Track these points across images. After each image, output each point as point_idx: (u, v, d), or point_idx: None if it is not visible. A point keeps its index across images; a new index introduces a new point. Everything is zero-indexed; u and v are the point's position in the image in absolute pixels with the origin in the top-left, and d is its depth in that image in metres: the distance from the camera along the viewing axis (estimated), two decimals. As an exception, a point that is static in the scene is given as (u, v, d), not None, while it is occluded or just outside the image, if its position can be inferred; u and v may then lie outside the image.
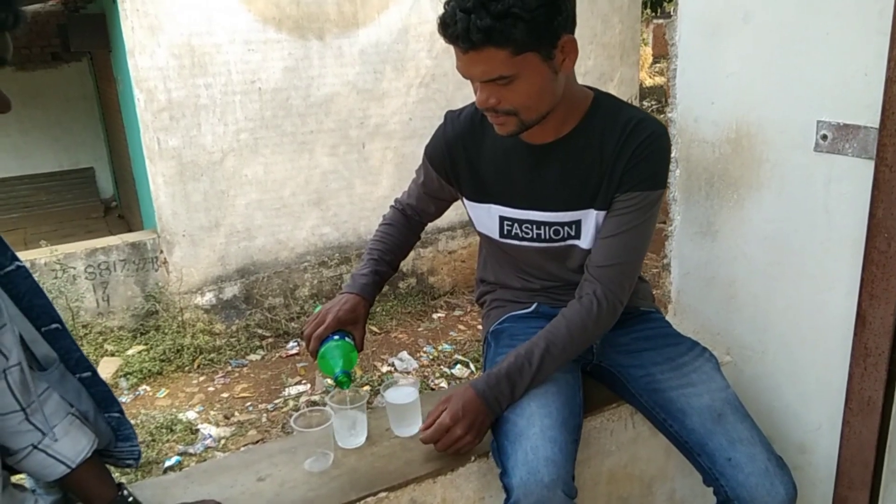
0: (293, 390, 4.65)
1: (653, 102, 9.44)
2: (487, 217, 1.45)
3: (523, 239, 1.41)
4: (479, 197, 1.44)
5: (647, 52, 11.32)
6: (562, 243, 1.40)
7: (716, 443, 1.31)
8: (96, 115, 7.57)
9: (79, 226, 7.24)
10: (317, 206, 5.65)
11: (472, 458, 1.36)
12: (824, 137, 1.35)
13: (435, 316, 5.85)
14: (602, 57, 6.47)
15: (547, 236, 1.39)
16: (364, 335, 1.46)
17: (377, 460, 1.35)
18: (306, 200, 5.59)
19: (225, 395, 4.66)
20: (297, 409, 4.40)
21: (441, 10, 1.18)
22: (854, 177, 1.33)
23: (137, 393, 4.62)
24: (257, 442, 4.09)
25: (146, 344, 5.01)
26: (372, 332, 5.40)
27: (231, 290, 5.43)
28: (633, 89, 6.82)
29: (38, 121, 7.41)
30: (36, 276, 1.07)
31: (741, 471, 1.28)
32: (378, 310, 5.68)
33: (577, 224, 1.37)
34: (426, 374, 4.88)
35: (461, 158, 1.43)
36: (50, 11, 6.35)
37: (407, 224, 1.61)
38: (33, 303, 1.04)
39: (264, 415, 4.42)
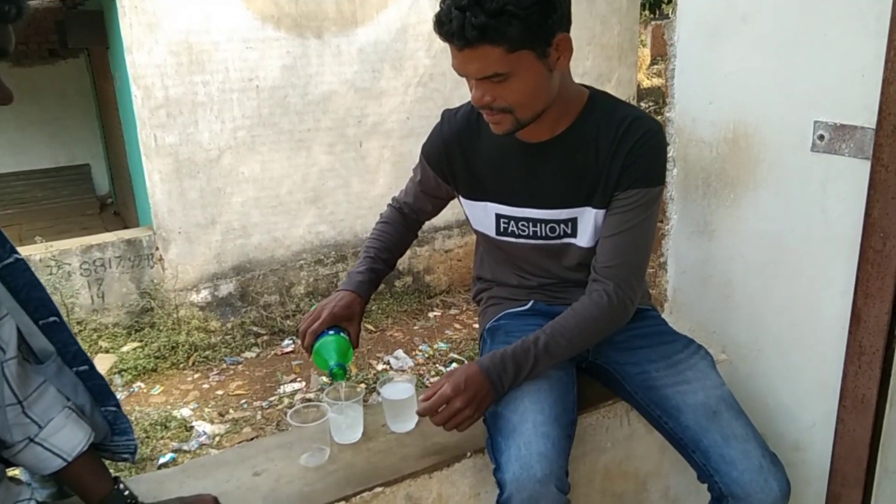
0: (288, 388, 4.65)
1: (650, 104, 9.46)
2: (484, 215, 1.45)
3: (520, 236, 1.42)
4: (476, 195, 1.45)
5: (646, 53, 11.35)
6: (558, 241, 1.40)
7: (710, 439, 1.32)
8: (93, 111, 7.55)
9: (74, 222, 7.22)
10: (313, 204, 5.65)
11: (468, 455, 1.36)
12: (821, 138, 1.36)
13: (431, 315, 5.85)
14: (600, 58, 6.48)
15: (543, 234, 1.40)
16: (359, 332, 1.46)
17: (373, 456, 1.36)
18: (303, 198, 5.59)
19: (220, 392, 4.66)
20: (291, 406, 4.40)
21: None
22: (850, 177, 1.33)
23: (132, 390, 4.61)
24: (252, 439, 4.09)
25: (141, 341, 5.00)
26: (367, 331, 5.40)
27: (227, 288, 5.42)
28: (630, 90, 6.84)
29: (34, 117, 7.39)
30: (31, 272, 1.06)
31: (735, 467, 1.28)
32: (374, 308, 5.68)
33: (573, 222, 1.37)
34: (421, 372, 4.88)
35: (458, 157, 1.43)
36: (48, 8, 6.34)
37: (404, 222, 1.62)
38: (31, 296, 1.04)
39: (259, 412, 4.42)
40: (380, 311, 5.71)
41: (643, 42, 10.17)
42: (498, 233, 1.44)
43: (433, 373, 4.86)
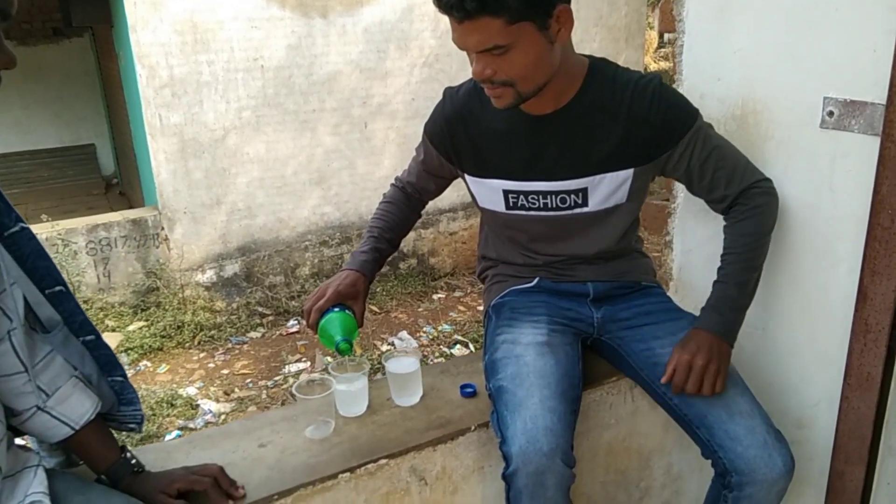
0: (293, 368, 4.67)
1: (657, 87, 9.36)
2: (491, 192, 1.45)
3: (530, 209, 1.41)
4: (482, 172, 1.44)
5: (653, 35, 11.25)
6: (568, 211, 1.40)
7: (715, 415, 1.32)
8: (98, 91, 7.54)
9: (80, 202, 7.23)
10: (318, 186, 5.64)
11: (472, 428, 1.37)
12: (830, 114, 1.35)
13: (435, 297, 5.86)
14: (607, 39, 6.43)
15: (554, 205, 1.40)
16: (364, 311, 1.46)
17: (378, 428, 1.36)
18: (308, 179, 5.58)
19: (225, 371, 4.68)
20: (297, 386, 4.42)
21: None
22: (859, 153, 1.32)
23: (138, 368, 4.64)
24: (257, 418, 4.11)
25: (147, 320, 5.03)
26: (372, 312, 5.41)
27: (232, 268, 5.44)
28: (637, 73, 6.77)
29: (39, 96, 7.38)
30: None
31: (740, 443, 1.29)
32: (378, 290, 5.69)
33: (584, 192, 1.37)
34: (426, 353, 4.90)
35: (461, 134, 1.43)
36: (51, -15, 6.31)
37: (407, 202, 1.61)
38: (37, 265, 1.04)
39: (264, 391, 4.44)
40: (384, 293, 5.72)
41: (650, 24, 10.08)
42: (507, 207, 1.43)
43: (437, 354, 4.87)
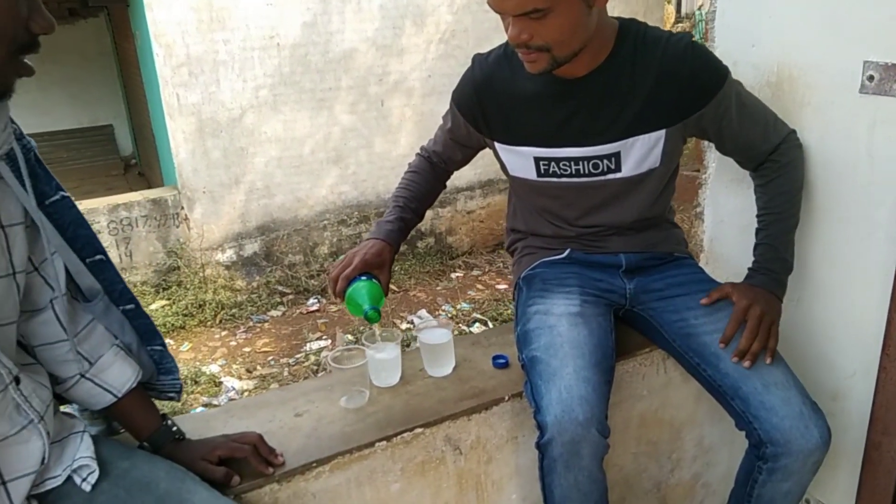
0: (314, 345, 4.71)
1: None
2: (521, 159, 1.43)
3: (562, 176, 1.40)
4: (511, 139, 1.42)
5: (670, 10, 11.08)
6: (601, 177, 1.38)
7: (750, 386, 1.31)
8: (114, 71, 7.56)
9: (99, 183, 7.28)
10: (336, 165, 5.64)
11: (506, 398, 1.37)
12: (871, 78, 1.32)
13: (453, 275, 5.87)
14: (626, 13, 6.31)
15: (586, 171, 1.38)
16: (389, 280, 1.45)
17: (412, 398, 1.37)
18: (325, 158, 5.58)
19: (247, 349, 4.73)
20: (318, 363, 4.46)
21: None
22: (901, 119, 1.30)
23: (161, 346, 4.69)
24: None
25: (169, 299, 5.07)
26: (391, 291, 5.43)
27: (251, 248, 5.46)
28: (656, 47, 6.68)
29: (56, 77, 7.41)
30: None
31: (775, 414, 1.27)
32: (396, 269, 5.70)
33: (617, 156, 1.35)
34: (445, 331, 4.90)
35: (491, 101, 1.41)
36: (67, -35, 6.30)
37: (432, 171, 1.60)
38: (78, 233, 1.04)
39: (286, 369, 4.48)
40: (402, 272, 5.73)
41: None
42: (539, 175, 1.42)
43: (456, 332, 4.88)
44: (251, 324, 5.05)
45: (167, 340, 4.69)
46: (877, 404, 1.42)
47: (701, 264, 1.72)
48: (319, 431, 1.27)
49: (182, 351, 4.67)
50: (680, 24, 11.33)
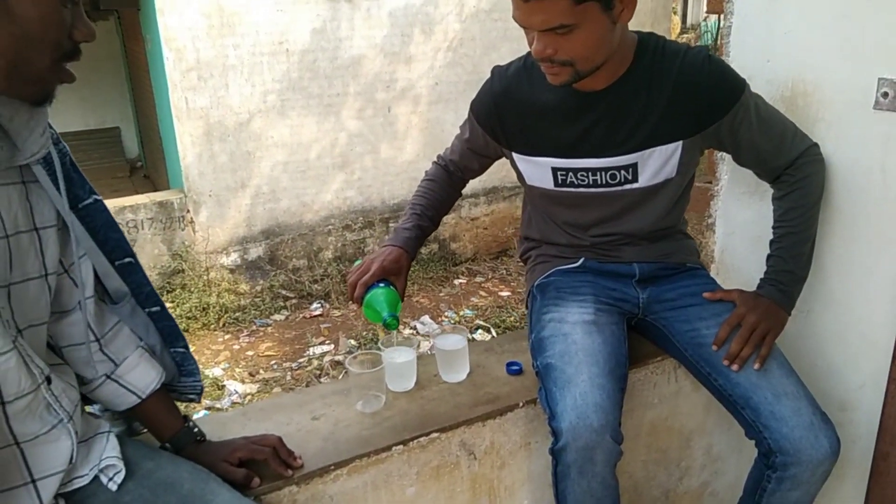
0: (317, 350, 4.72)
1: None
2: (539, 169, 1.45)
3: (579, 186, 1.42)
4: (530, 150, 1.45)
5: (676, 21, 11.15)
6: (618, 188, 1.41)
7: (760, 396, 1.33)
8: (123, 74, 7.58)
9: (105, 185, 7.30)
10: (342, 170, 5.66)
11: (521, 404, 1.39)
12: (885, 95, 1.34)
13: (456, 282, 5.88)
14: (633, 24, 6.27)
15: (604, 181, 1.40)
16: (406, 286, 1.47)
17: (427, 403, 1.39)
18: (331, 163, 5.61)
19: (250, 353, 4.74)
20: (321, 368, 4.47)
21: None
22: (914, 135, 1.32)
23: (165, 348, 4.70)
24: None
25: (172, 301, 5.08)
26: (394, 296, 5.43)
27: (256, 251, 5.48)
28: (661, 58, 6.72)
29: (64, 79, 7.41)
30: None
31: (786, 424, 1.29)
32: (400, 274, 5.71)
33: (634, 167, 1.38)
34: (449, 337, 4.91)
35: (510, 113, 1.43)
36: (77, -32, 6.33)
37: (449, 180, 1.62)
38: (108, 236, 1.06)
39: (289, 373, 4.49)
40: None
41: (675, 10, 9.98)
42: (556, 185, 1.44)
43: (460, 338, 4.89)
44: (254, 327, 5.06)
45: (172, 343, 4.73)
46: (885, 415, 1.44)
47: (712, 275, 1.74)
48: (337, 435, 1.29)
49: (186, 353, 4.67)
50: (685, 35, 11.40)
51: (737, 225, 1.71)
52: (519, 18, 1.22)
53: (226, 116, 5.13)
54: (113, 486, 1.01)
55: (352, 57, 5.44)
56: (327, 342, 4.84)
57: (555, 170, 1.42)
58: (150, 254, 5.18)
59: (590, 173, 1.40)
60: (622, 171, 1.38)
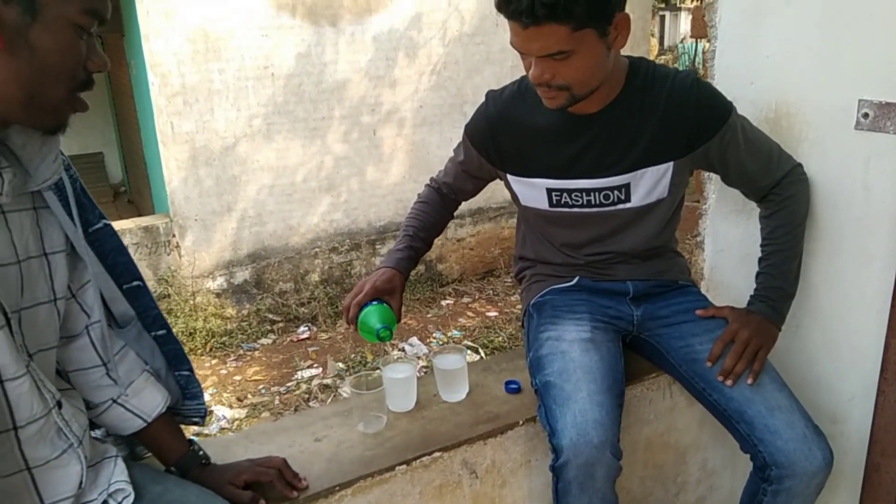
0: (305, 374, 4.69)
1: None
2: (534, 190, 1.48)
3: (573, 206, 1.45)
4: (525, 172, 1.48)
5: (654, 43, 11.37)
6: (611, 207, 1.44)
7: (755, 410, 1.35)
8: (106, 99, 7.57)
9: (87, 210, 7.24)
10: (328, 193, 5.68)
11: (520, 422, 1.40)
12: (865, 116, 1.39)
13: (443, 303, 5.89)
14: (611, 47, 6.49)
15: (597, 201, 1.44)
16: (401, 306, 1.48)
17: (428, 423, 1.40)
18: (317, 186, 5.62)
19: (237, 377, 4.70)
20: (309, 392, 4.44)
21: None
22: (894, 154, 1.37)
23: (151, 374, 4.65)
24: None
25: (159, 327, 5.04)
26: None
27: (242, 275, 5.46)
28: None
29: (46, 105, 7.38)
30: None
31: (780, 437, 1.32)
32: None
33: (627, 187, 1.41)
34: (437, 359, 4.91)
35: (504, 136, 1.47)
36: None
37: (442, 202, 1.65)
38: (117, 260, 1.07)
39: (277, 397, 4.46)
40: (393, 299, 5.73)
41: (652, 32, 10.19)
42: (551, 205, 1.47)
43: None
44: (241, 352, 5.03)
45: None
46: (876, 427, 1.47)
47: (702, 291, 1.77)
48: (340, 456, 1.30)
49: (173, 379, 4.62)
50: (663, 56, 11.62)
51: (725, 243, 1.75)
52: (517, 45, 1.26)
53: (211, 141, 5.14)
54: (121, 511, 1.01)
55: (337, 81, 5.49)
56: (315, 365, 4.82)
57: (549, 190, 1.46)
58: (135, 279, 5.14)
59: (584, 194, 1.43)
60: (615, 192, 1.42)
